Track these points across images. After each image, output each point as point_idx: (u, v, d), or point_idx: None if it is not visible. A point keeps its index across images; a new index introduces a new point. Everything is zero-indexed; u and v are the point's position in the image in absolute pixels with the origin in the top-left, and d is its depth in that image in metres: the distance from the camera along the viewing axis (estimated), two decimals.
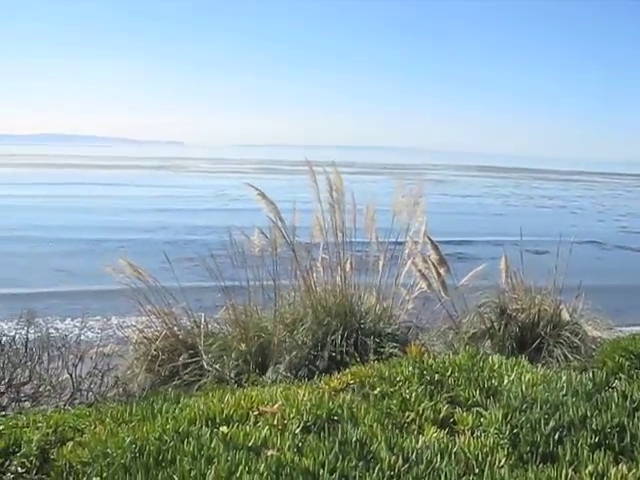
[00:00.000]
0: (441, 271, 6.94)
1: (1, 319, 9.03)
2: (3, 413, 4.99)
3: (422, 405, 3.36)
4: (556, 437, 2.97)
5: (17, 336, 5.83)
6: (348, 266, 7.00)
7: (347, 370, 4.13)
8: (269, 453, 2.77)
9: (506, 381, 3.68)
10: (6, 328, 7.58)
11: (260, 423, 3.09)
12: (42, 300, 11.79)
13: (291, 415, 3.15)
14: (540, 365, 4.60)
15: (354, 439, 2.89)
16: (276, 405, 3.30)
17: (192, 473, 2.61)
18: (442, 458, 2.80)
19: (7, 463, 2.83)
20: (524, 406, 3.25)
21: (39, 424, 3.34)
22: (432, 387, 3.66)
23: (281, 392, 3.57)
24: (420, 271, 6.97)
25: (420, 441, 2.96)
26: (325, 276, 7.01)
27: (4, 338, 5.73)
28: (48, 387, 5.63)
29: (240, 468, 2.62)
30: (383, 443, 2.89)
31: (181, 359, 6.47)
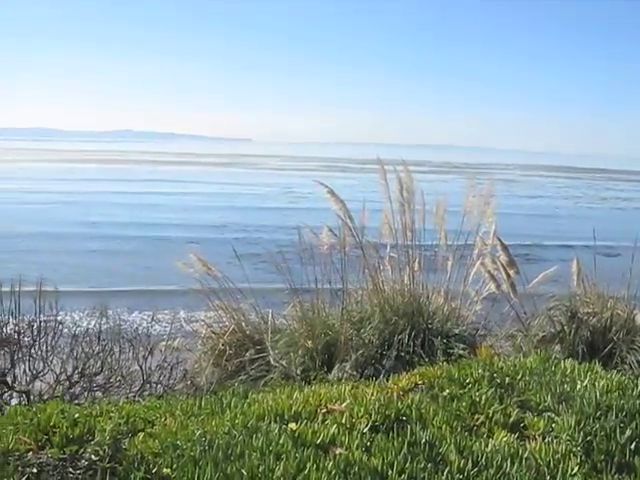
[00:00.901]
0: (510, 272, 6.82)
1: (73, 309, 9.27)
2: (76, 401, 5.13)
3: (492, 408, 3.31)
4: (632, 447, 2.89)
5: (90, 328, 5.97)
6: (416, 265, 6.94)
7: (415, 370, 4.10)
8: (337, 451, 2.77)
9: (579, 386, 3.60)
10: (77, 318, 7.77)
11: (328, 421, 3.09)
12: (113, 297, 12.03)
13: (359, 414, 3.15)
14: (614, 371, 4.47)
15: (423, 440, 2.87)
16: (344, 403, 3.30)
17: (260, 468, 2.62)
18: (512, 463, 2.76)
19: (82, 450, 2.89)
20: (598, 413, 3.17)
21: (111, 414, 3.41)
22: (502, 390, 3.61)
23: (349, 390, 3.57)
24: (489, 272, 6.87)
25: (490, 445, 2.92)
26: (393, 275, 6.97)
27: (78, 329, 5.88)
28: (119, 378, 5.75)
29: (308, 465, 2.63)
30: (452, 445, 2.87)
31: (248, 354, 6.52)
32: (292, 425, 2.99)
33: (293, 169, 65.49)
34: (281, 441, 2.83)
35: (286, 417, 3.17)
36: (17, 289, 5.53)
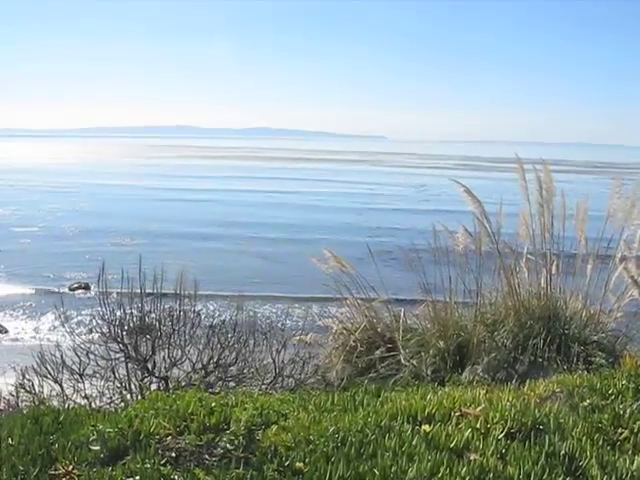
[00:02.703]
0: None
1: (207, 300, 9.52)
2: (210, 390, 5.28)
3: (637, 423, 3.14)
4: None
5: (226, 320, 6.14)
6: (554, 268, 6.70)
7: (553, 377, 3.97)
8: (472, 457, 2.71)
9: None
10: (212, 309, 8.00)
11: (462, 425, 3.03)
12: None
13: (495, 419, 3.06)
14: None
15: (562, 452, 2.76)
16: (479, 408, 3.23)
17: (393, 469, 2.60)
18: None
19: (217, 439, 2.97)
20: None
21: (246, 405, 3.48)
22: None
23: (484, 395, 3.49)
24: (632, 277, 6.53)
25: (635, 462, 2.76)
26: (529, 278, 6.75)
27: (215, 320, 6.06)
28: (252, 370, 5.88)
29: (442, 469, 2.58)
30: (593, 460, 2.74)
31: (378, 352, 6.50)
32: (425, 427, 2.95)
33: (427, 167, 64.83)
34: (414, 442, 2.80)
35: (419, 418, 3.14)
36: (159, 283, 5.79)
